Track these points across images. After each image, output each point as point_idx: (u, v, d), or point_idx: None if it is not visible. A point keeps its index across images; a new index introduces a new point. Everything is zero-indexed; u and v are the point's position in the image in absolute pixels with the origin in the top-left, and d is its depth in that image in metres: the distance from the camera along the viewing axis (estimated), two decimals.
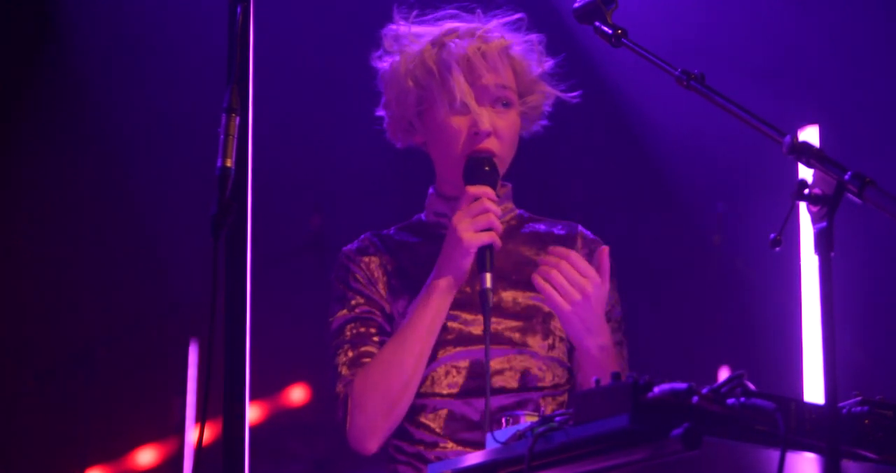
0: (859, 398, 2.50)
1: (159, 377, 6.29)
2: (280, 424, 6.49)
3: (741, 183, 5.91)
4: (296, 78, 5.96)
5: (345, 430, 3.38)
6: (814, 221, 2.44)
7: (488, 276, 3.29)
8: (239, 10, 2.66)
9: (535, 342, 3.44)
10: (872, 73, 5.65)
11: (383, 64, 3.57)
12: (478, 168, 3.39)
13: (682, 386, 2.32)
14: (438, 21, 3.56)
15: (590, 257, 3.48)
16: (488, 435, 2.59)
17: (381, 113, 3.59)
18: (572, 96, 3.60)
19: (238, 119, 2.60)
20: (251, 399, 2.57)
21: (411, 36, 3.53)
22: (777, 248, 2.49)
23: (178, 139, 5.98)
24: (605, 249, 3.40)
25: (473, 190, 3.35)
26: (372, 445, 3.37)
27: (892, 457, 2.48)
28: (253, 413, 6.31)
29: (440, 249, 3.43)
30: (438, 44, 3.49)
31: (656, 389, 2.32)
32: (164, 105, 6.05)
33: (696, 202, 6.15)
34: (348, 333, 3.45)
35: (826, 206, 2.42)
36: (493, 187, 3.38)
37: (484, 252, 3.30)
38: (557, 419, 2.46)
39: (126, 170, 6.18)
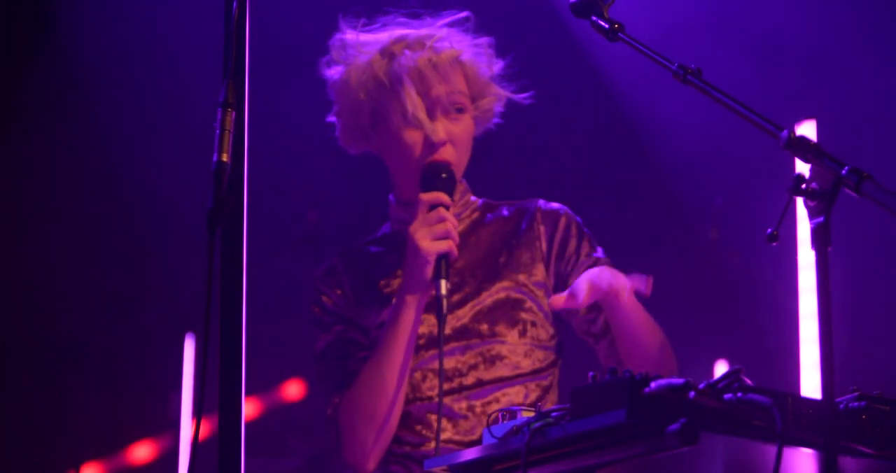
0: (856, 393, 2.50)
1: (155, 372, 6.30)
2: (276, 419, 6.48)
3: (739, 177, 5.91)
4: (292, 72, 5.95)
5: (339, 453, 3.40)
6: (811, 216, 2.44)
7: (444, 283, 3.29)
8: (235, 4, 2.66)
9: (505, 330, 3.45)
10: (869, 68, 5.65)
11: (332, 72, 3.56)
12: (434, 175, 3.39)
13: (678, 381, 2.32)
14: (386, 27, 3.56)
15: (554, 225, 3.51)
16: (485, 430, 2.59)
17: (331, 120, 3.60)
18: (524, 97, 3.60)
19: (234, 114, 2.59)
20: (247, 394, 2.57)
21: (359, 45, 3.52)
22: (774, 243, 2.49)
23: (174, 134, 5.97)
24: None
25: (428, 197, 3.35)
26: (369, 464, 3.39)
27: (890, 452, 2.47)
28: (249, 408, 6.31)
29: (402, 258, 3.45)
30: (388, 54, 3.49)
31: (653, 384, 2.31)
32: (160, 100, 6.04)
33: (693, 196, 6.14)
34: (330, 356, 3.48)
35: (823, 201, 2.42)
36: (450, 194, 3.38)
37: (440, 260, 3.30)
38: (554, 414, 2.46)
39: (122, 165, 6.18)
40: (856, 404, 2.47)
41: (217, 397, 2.57)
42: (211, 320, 2.53)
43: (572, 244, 3.54)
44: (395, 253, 3.54)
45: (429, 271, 3.30)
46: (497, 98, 3.57)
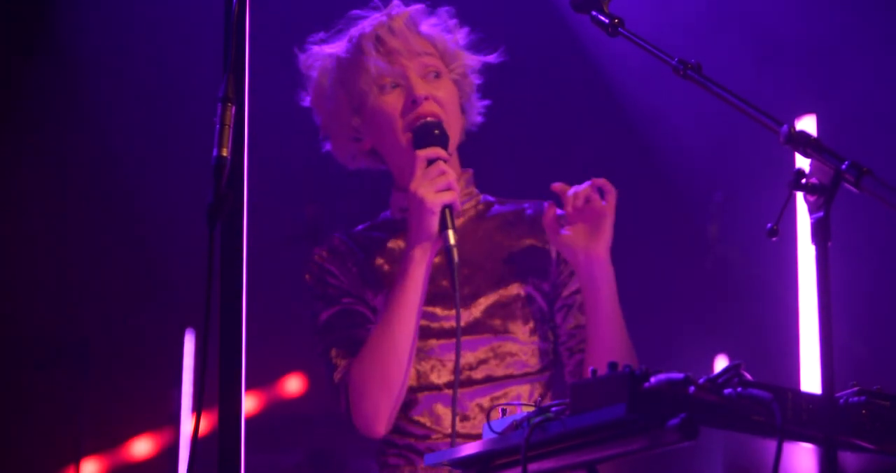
0: (856, 388, 2.50)
1: (155, 367, 6.29)
2: (276, 414, 6.48)
3: (738, 172, 5.91)
4: (292, 67, 5.95)
5: (350, 418, 3.37)
6: (811, 211, 2.44)
7: (451, 233, 3.27)
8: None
9: (516, 328, 3.44)
10: (870, 63, 5.64)
11: (307, 93, 3.58)
12: (426, 132, 3.37)
13: (678, 375, 2.32)
14: (343, 32, 3.56)
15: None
16: (485, 426, 2.59)
17: (327, 146, 3.60)
18: (494, 57, 3.58)
19: (234, 108, 2.59)
20: (247, 389, 2.57)
21: (323, 55, 3.54)
22: (774, 238, 2.49)
23: (174, 129, 5.97)
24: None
25: (425, 153, 3.33)
26: (380, 428, 3.36)
27: (889, 447, 2.47)
28: (249, 403, 6.31)
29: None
30: (348, 40, 3.50)
31: (653, 379, 2.31)
32: (160, 94, 6.04)
33: (693, 191, 6.14)
34: (336, 326, 3.44)
35: (823, 196, 2.42)
36: (445, 148, 3.36)
37: (444, 211, 3.29)
38: (554, 409, 2.46)
39: (121, 160, 6.17)
40: (856, 399, 2.47)
41: (217, 392, 2.57)
42: (211, 315, 2.53)
43: None
44: (397, 239, 3.53)
45: (435, 223, 3.28)
46: (468, 62, 3.54)
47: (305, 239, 6.23)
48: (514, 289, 3.47)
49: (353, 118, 3.52)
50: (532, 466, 2.47)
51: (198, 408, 2.53)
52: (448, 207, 3.29)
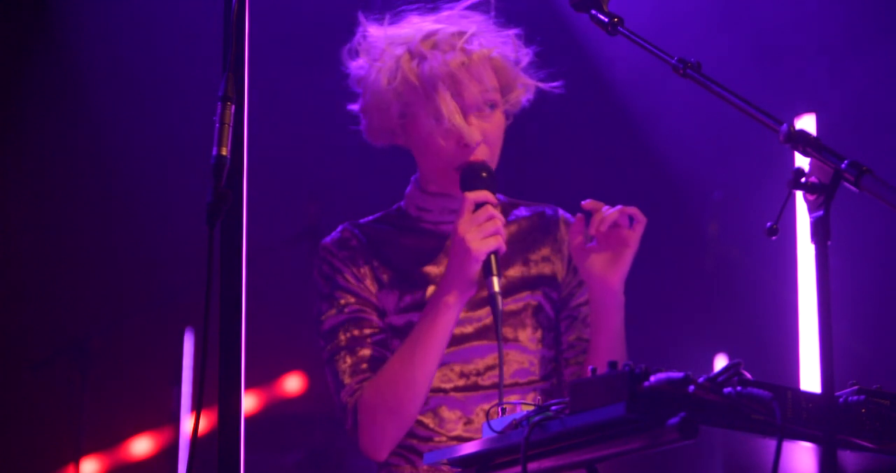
0: (856, 387, 2.50)
1: (155, 366, 6.29)
2: (276, 413, 6.48)
3: (738, 171, 5.91)
4: (292, 65, 5.95)
5: (355, 439, 3.36)
6: (810, 210, 2.44)
7: (495, 280, 3.25)
8: None
9: (524, 336, 3.43)
10: (870, 62, 5.64)
11: (356, 66, 3.48)
12: (475, 175, 3.34)
13: (678, 374, 2.32)
14: (407, 19, 3.47)
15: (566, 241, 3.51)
16: (484, 424, 2.59)
17: (354, 110, 3.52)
18: (554, 86, 3.54)
19: (233, 107, 2.59)
20: (247, 388, 2.57)
21: (385, 40, 3.43)
22: (774, 237, 2.49)
23: (174, 128, 5.97)
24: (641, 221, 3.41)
25: (474, 196, 3.29)
26: (385, 453, 3.36)
27: (889, 446, 2.47)
28: (248, 402, 6.31)
29: (423, 243, 3.44)
30: (417, 55, 3.40)
31: (653, 378, 2.31)
32: (159, 93, 6.04)
33: (692, 190, 6.14)
34: (342, 337, 3.41)
35: (823, 195, 2.42)
36: (493, 192, 3.34)
37: (489, 257, 3.26)
38: (553, 408, 2.46)
39: (121, 160, 6.17)
40: (855, 398, 2.47)
41: (217, 391, 2.57)
42: (210, 314, 2.53)
43: None
44: (412, 238, 3.49)
45: (477, 269, 3.25)
46: (526, 89, 3.50)
47: (306, 238, 6.23)
48: (526, 298, 3.46)
49: (398, 122, 3.46)
50: (532, 465, 2.47)
51: (198, 408, 2.53)
52: (494, 253, 3.26)
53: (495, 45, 3.45)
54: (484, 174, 3.34)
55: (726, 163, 5.96)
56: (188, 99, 5.29)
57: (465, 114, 3.38)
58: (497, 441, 2.54)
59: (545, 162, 6.00)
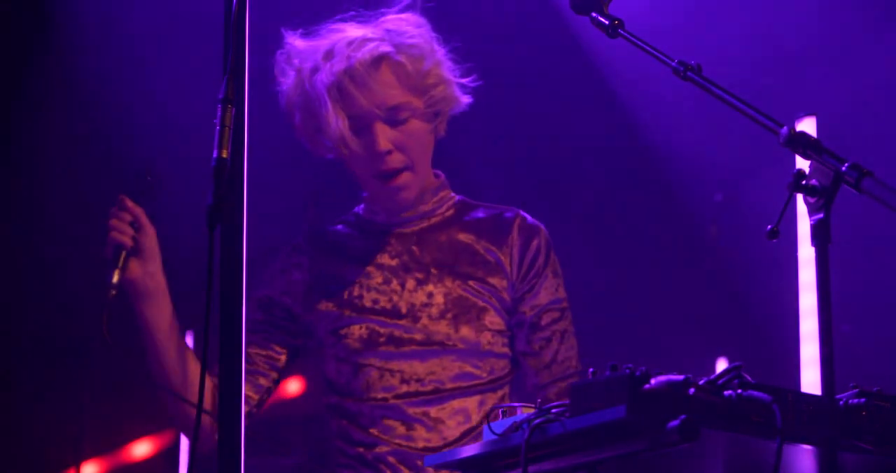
0: (857, 390, 2.50)
1: None
2: (276, 414, 6.48)
3: (738, 174, 5.91)
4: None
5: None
6: (811, 212, 2.43)
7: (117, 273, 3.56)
8: (234, 0, 2.65)
9: (468, 338, 3.42)
10: (870, 64, 5.64)
11: (280, 82, 3.52)
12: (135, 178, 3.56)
13: (678, 377, 2.32)
14: (330, 31, 3.48)
15: (527, 243, 3.48)
16: (485, 427, 2.58)
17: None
18: (470, 81, 3.52)
19: (234, 110, 2.59)
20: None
21: (300, 54, 3.46)
22: (774, 239, 2.49)
23: (174, 131, 5.97)
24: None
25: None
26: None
27: (890, 449, 2.47)
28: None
29: (370, 245, 3.50)
30: (314, 68, 3.42)
31: (653, 380, 2.31)
32: (159, 95, 6.04)
33: (693, 193, 6.14)
34: (251, 337, 3.70)
35: (823, 197, 2.42)
36: (145, 194, 3.56)
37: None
38: (554, 410, 2.46)
39: (121, 160, 6.17)
40: (856, 400, 2.47)
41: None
42: (211, 316, 2.54)
43: (537, 268, 3.50)
44: (362, 239, 3.55)
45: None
46: (446, 86, 3.46)
47: None
48: (471, 300, 3.45)
49: (315, 133, 3.50)
50: (532, 468, 2.47)
51: (198, 409, 2.54)
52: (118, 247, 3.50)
53: (394, 49, 3.41)
54: (149, 178, 3.56)
55: (727, 165, 5.96)
56: (188, 100, 5.28)
57: (365, 121, 3.38)
58: (497, 443, 2.54)
59: (545, 163, 6.00)
